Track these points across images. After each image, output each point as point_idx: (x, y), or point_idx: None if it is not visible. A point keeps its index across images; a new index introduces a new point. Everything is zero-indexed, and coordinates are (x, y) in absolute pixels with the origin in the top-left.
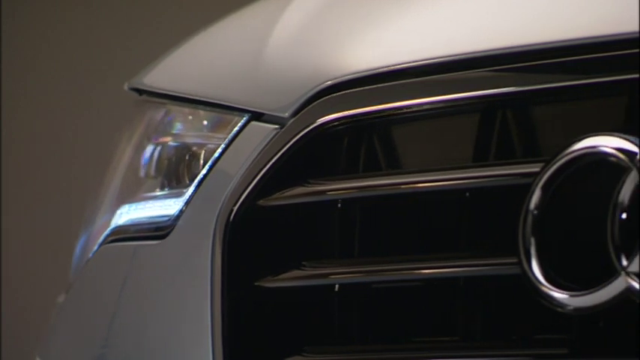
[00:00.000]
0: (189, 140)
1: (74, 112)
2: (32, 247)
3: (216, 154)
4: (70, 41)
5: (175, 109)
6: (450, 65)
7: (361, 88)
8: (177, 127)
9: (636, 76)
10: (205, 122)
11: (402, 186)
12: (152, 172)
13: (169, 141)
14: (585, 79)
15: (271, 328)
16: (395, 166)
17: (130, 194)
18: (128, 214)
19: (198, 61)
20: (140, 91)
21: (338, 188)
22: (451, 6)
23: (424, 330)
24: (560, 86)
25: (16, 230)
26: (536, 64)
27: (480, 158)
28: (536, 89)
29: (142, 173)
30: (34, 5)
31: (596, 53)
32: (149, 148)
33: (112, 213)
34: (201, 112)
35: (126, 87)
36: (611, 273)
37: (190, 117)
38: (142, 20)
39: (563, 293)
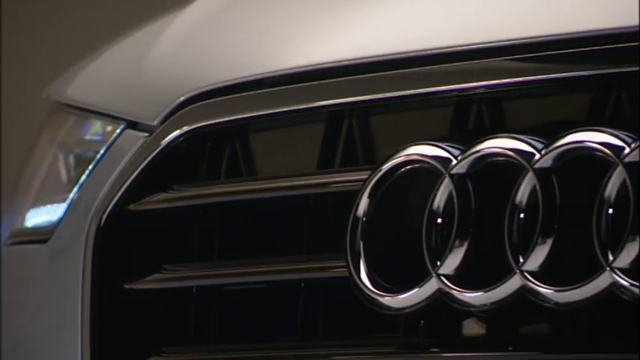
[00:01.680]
0: (90, 147)
1: None
2: None
3: (94, 161)
4: (70, 41)
5: (83, 117)
6: (305, 75)
7: (223, 98)
8: (84, 134)
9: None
10: (105, 129)
11: (255, 192)
12: (60, 177)
13: (77, 147)
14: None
15: (136, 330)
16: (251, 173)
17: (37, 198)
18: (29, 218)
19: (102, 73)
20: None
21: (197, 195)
22: (318, 18)
23: (277, 329)
24: (397, 96)
25: None
26: (377, 75)
27: (327, 166)
28: (378, 98)
29: (52, 178)
30: (34, 5)
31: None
32: (60, 154)
33: (18, 216)
34: (102, 121)
35: (43, 95)
36: (425, 274)
37: (94, 125)
38: (142, 21)
39: (384, 296)
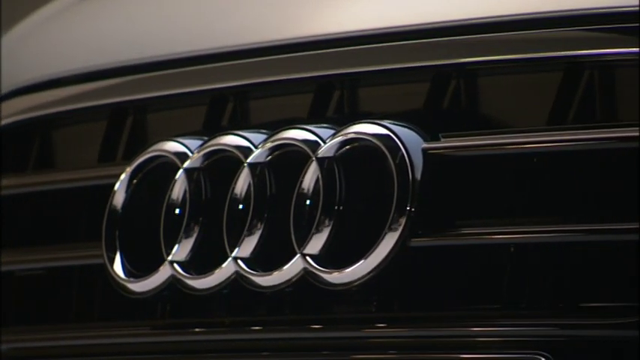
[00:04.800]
0: None
1: None
2: None
3: None
4: None
5: None
6: (103, 73)
7: (34, 94)
8: None
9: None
10: None
11: (34, 185)
12: None
13: None
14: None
15: None
16: (54, 165)
17: None
18: None
19: None
20: None
21: (9, 185)
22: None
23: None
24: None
25: None
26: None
27: (111, 159)
28: (154, 96)
29: None
30: (34, 5)
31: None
32: None
33: None
34: None
35: None
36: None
37: None
38: None
39: (130, 282)
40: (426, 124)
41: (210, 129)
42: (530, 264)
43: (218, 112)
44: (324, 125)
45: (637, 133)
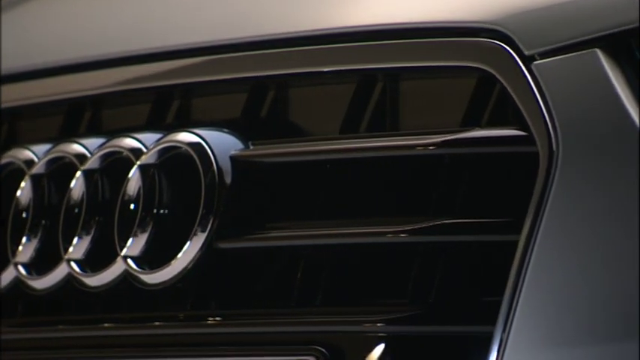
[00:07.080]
0: None
1: None
2: None
3: None
4: None
5: None
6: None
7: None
8: None
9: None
10: None
11: None
12: None
13: None
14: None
15: None
16: None
17: None
18: None
19: None
20: None
21: None
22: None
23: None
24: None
25: None
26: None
27: None
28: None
29: None
30: None
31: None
32: None
33: None
34: None
35: None
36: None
37: None
38: None
39: None
40: (244, 133)
41: (67, 136)
42: (322, 264)
43: (73, 120)
44: (154, 133)
45: (423, 141)
